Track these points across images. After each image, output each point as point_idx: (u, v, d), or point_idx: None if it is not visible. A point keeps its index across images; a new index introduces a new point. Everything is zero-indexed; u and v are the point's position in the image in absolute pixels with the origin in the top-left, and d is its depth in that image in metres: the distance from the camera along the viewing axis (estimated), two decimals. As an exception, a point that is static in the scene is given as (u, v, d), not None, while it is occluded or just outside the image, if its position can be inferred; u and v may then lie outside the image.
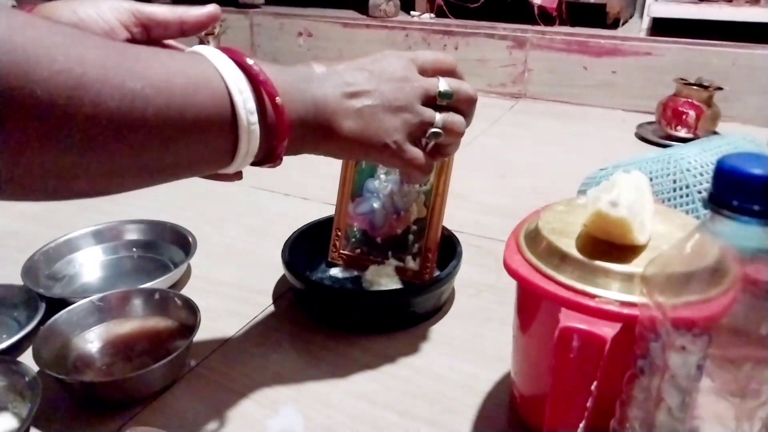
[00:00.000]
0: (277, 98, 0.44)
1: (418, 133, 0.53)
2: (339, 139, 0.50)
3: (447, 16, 1.64)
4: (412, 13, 1.69)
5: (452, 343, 0.64)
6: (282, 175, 1.08)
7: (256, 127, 0.43)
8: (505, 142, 1.27)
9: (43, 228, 0.86)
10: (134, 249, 0.81)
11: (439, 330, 0.66)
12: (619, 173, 0.46)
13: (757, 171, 0.28)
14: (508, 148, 1.23)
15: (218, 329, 0.66)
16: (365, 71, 0.52)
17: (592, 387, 0.39)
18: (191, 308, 0.62)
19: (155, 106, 0.38)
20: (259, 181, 1.05)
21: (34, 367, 0.55)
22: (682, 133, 1.21)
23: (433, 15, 1.66)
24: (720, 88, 1.20)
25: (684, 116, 1.20)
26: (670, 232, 0.45)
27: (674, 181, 0.62)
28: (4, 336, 0.63)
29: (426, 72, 0.54)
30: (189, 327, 0.60)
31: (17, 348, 0.62)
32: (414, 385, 0.58)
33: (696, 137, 1.20)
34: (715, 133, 1.23)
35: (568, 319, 0.40)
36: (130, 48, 0.40)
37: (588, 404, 0.39)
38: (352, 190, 0.75)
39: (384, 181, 0.73)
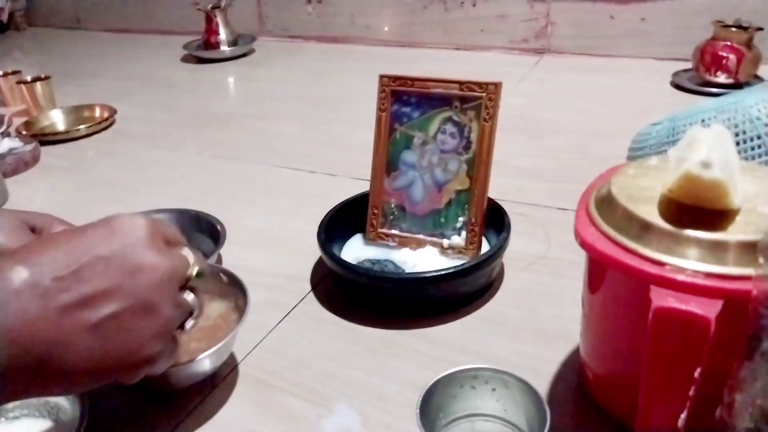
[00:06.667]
0: None
1: (176, 328, 0.42)
2: (68, 375, 0.36)
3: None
4: (425, -29, 1.61)
5: (508, 322, 0.60)
6: (303, 150, 1.04)
7: None
8: (534, 100, 1.21)
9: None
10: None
11: (492, 309, 0.62)
12: (696, 128, 0.41)
13: None
14: (538, 107, 1.17)
15: (258, 322, 0.62)
16: (94, 259, 0.37)
17: (696, 374, 0.34)
18: (239, 286, 0.57)
19: None
20: (280, 159, 1.00)
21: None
22: (722, 78, 1.14)
23: (447, -28, 1.59)
24: (760, 29, 1.13)
25: (724, 61, 1.13)
26: (762, 192, 0.40)
27: (744, 132, 0.56)
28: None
29: (170, 243, 0.42)
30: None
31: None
32: (473, 371, 0.54)
33: (737, 82, 1.14)
34: (757, 77, 1.16)
35: (662, 299, 0.35)
36: None
37: (690, 393, 0.35)
38: (387, 163, 0.70)
39: (421, 152, 0.68)
